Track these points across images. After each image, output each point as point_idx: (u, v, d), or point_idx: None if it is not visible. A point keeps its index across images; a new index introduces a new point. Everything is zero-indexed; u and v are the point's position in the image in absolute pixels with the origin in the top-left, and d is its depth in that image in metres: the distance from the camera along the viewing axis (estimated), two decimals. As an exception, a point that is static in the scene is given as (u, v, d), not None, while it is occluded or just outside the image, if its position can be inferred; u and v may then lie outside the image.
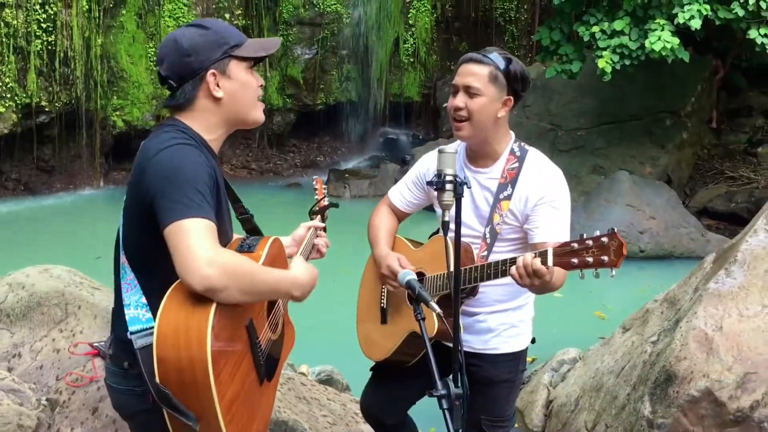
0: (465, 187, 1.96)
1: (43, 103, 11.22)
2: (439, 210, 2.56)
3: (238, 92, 1.96)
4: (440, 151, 2.05)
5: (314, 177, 2.75)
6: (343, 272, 5.22)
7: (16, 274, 3.20)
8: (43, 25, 11.05)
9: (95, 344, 2.96)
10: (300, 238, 2.42)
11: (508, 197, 2.44)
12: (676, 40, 8.52)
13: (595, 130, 11.22)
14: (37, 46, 10.99)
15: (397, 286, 2.52)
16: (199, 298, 1.73)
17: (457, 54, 15.00)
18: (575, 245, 2.08)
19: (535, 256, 2.14)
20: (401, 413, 2.82)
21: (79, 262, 4.30)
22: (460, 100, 2.43)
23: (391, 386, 2.74)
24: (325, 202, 2.60)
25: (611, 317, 6.48)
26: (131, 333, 1.84)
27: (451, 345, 2.07)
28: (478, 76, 2.39)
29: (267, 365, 2.02)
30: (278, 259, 2.08)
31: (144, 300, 1.87)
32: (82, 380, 2.76)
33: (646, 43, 8.57)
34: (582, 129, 11.30)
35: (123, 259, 1.93)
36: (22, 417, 2.51)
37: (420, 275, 2.52)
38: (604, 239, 2.03)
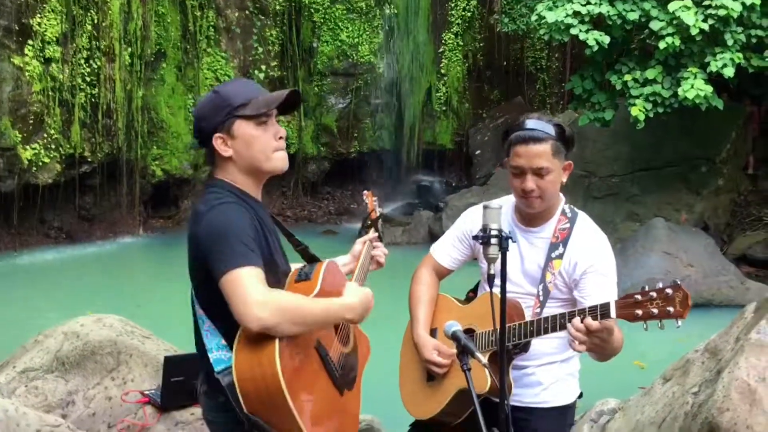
0: (510, 241, 2.01)
1: (86, 154, 11.56)
2: (483, 265, 2.60)
3: (244, 149, 2.10)
4: (485, 207, 2.11)
5: (364, 191, 2.79)
6: (380, 321, 5.26)
7: (70, 323, 3.32)
8: (87, 79, 11.46)
9: (146, 392, 3.06)
10: (358, 252, 2.55)
11: (560, 256, 2.47)
12: (710, 88, 8.56)
13: (629, 176, 11.21)
14: (81, 98, 11.38)
15: (441, 372, 2.56)
16: (264, 334, 1.92)
17: (489, 102, 15.19)
18: (638, 297, 2.10)
19: (596, 309, 2.17)
20: None
21: (120, 310, 4.41)
22: (530, 182, 2.41)
23: None
24: (377, 213, 2.66)
25: (650, 366, 6.40)
26: (217, 373, 2.03)
27: (498, 400, 2.09)
28: (544, 155, 2.40)
29: (345, 376, 2.17)
30: (335, 281, 2.22)
31: (224, 342, 2.06)
32: (133, 428, 2.83)
33: (680, 92, 8.62)
34: (616, 176, 11.29)
35: (199, 310, 2.12)
36: (76, 463, 2.58)
37: (470, 332, 2.52)
38: (669, 290, 2.06)
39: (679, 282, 2.09)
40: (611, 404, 4.88)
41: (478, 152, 14.13)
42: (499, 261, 2.03)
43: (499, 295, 2.09)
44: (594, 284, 2.43)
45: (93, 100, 11.55)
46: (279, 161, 2.15)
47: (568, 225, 2.51)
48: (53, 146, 11.11)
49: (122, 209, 12.39)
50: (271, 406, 1.91)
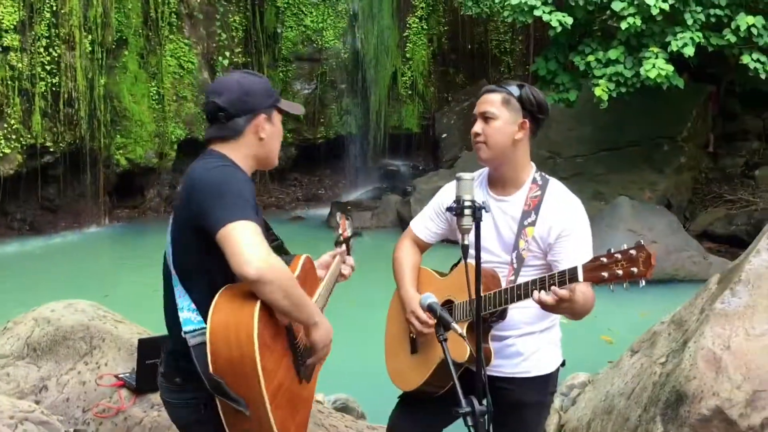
0: (484, 211, 2.04)
1: (48, 144, 11.35)
2: (460, 236, 2.64)
3: (274, 137, 2.24)
4: (458, 178, 2.14)
5: (339, 214, 2.90)
6: (352, 303, 5.27)
7: (41, 309, 3.27)
8: (47, 67, 11.24)
9: (121, 375, 3.04)
10: (326, 263, 2.60)
11: (533, 224, 2.51)
12: (671, 68, 8.68)
13: (594, 156, 11.36)
14: (41, 87, 11.16)
15: (423, 331, 2.57)
16: (245, 298, 1.94)
17: (454, 86, 15.24)
18: (604, 259, 2.15)
19: (565, 274, 2.21)
20: None
21: (88, 300, 4.35)
22: (477, 126, 2.55)
23: (420, 414, 2.74)
24: (348, 233, 2.74)
25: (617, 341, 6.52)
26: (185, 332, 2.03)
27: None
28: (492, 102, 2.53)
29: (305, 367, 2.20)
30: (310, 274, 2.32)
31: (194, 306, 2.06)
32: (109, 411, 2.81)
33: (641, 71, 8.73)
34: (581, 156, 11.42)
35: (173, 271, 2.12)
36: (52, 448, 2.56)
37: (449, 303, 2.56)
38: (632, 251, 2.11)
39: (642, 243, 2.13)
40: (581, 378, 4.97)
41: (444, 135, 14.18)
42: (473, 232, 2.06)
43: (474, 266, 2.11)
44: (567, 248, 2.48)
45: (54, 89, 11.34)
46: (277, 161, 2.30)
47: (539, 192, 2.55)
48: (14, 136, 10.89)
49: (87, 199, 12.20)
50: (240, 369, 1.90)
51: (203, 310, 1.99)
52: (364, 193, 14.07)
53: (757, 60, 8.73)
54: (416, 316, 2.57)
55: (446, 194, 2.74)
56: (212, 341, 1.91)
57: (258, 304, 1.93)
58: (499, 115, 2.51)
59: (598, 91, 9.00)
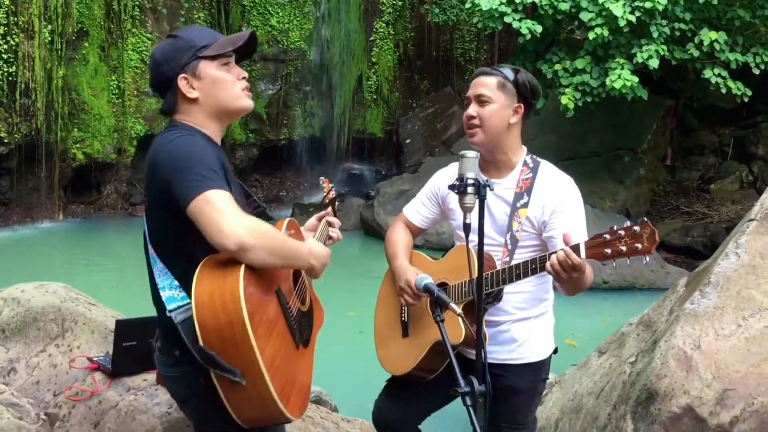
0: (489, 189, 2.02)
1: (2, 135, 11.03)
2: (453, 221, 2.62)
3: (211, 89, 2.08)
4: (462, 156, 2.11)
5: (321, 177, 2.83)
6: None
7: (11, 290, 3.14)
8: (4, 56, 10.93)
9: (94, 358, 2.94)
10: (313, 226, 2.55)
11: (525, 205, 2.51)
12: (636, 79, 8.87)
13: (557, 165, 11.45)
14: (-3, 76, 10.86)
15: (414, 302, 2.55)
16: (228, 265, 1.86)
17: (418, 92, 15.30)
18: (607, 236, 2.13)
19: (568, 251, 2.19)
20: (415, 425, 2.81)
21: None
22: (472, 109, 2.53)
23: (408, 398, 2.72)
24: (333, 195, 2.69)
25: (580, 345, 6.60)
26: (170, 311, 1.94)
27: (472, 355, 2.09)
28: (488, 85, 2.51)
29: (300, 332, 2.12)
30: (296, 236, 2.23)
31: (176, 282, 1.99)
32: (82, 394, 2.71)
33: (607, 81, 8.89)
34: (543, 165, 11.57)
35: (151, 250, 2.03)
36: (22, 431, 2.45)
37: (443, 285, 2.54)
38: (636, 228, 2.10)
39: (646, 219, 2.13)
40: (548, 378, 5.00)
41: (408, 141, 14.21)
42: (476, 210, 2.04)
43: (472, 247, 2.09)
44: (562, 223, 2.46)
45: (10, 78, 11.03)
46: (246, 100, 2.15)
47: (530, 175, 2.56)
48: (-34, 126, 10.57)
49: (40, 193, 11.88)
50: (230, 337, 1.82)
51: (186, 286, 1.92)
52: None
53: (719, 75, 8.97)
54: (410, 285, 2.54)
55: (440, 179, 2.73)
56: (198, 312, 1.83)
57: (242, 267, 1.85)
58: (495, 98, 2.50)
59: (564, 100, 9.13)
